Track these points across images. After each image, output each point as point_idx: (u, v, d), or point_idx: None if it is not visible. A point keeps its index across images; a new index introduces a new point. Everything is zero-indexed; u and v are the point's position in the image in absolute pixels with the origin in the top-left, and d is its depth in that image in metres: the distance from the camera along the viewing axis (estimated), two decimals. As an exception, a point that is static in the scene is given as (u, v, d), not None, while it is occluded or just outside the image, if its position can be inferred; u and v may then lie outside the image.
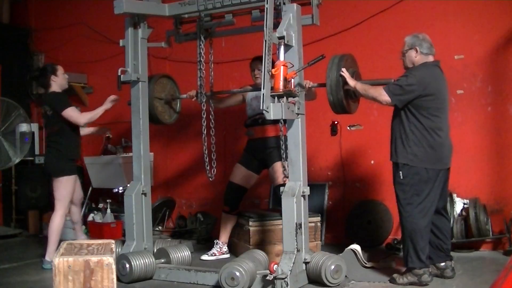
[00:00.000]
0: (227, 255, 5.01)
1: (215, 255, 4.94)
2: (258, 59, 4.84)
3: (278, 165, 4.73)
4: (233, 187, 5.01)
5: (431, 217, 3.84)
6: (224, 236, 5.07)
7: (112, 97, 4.82)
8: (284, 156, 4.17)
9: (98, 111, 4.82)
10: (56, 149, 4.82)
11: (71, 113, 4.76)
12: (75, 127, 4.90)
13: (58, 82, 4.93)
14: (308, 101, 4.23)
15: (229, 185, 5.05)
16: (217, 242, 5.06)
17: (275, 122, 4.73)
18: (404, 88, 3.74)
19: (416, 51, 3.87)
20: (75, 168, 4.96)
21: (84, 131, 5.20)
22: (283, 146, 4.64)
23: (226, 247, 5.05)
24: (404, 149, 3.81)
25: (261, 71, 4.76)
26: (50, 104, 4.84)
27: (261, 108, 3.40)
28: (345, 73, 3.94)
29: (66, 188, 4.78)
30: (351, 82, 3.94)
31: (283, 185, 3.97)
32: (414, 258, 3.77)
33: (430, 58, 3.90)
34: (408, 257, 3.80)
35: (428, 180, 3.79)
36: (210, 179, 4.69)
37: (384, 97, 3.79)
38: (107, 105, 4.82)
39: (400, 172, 3.82)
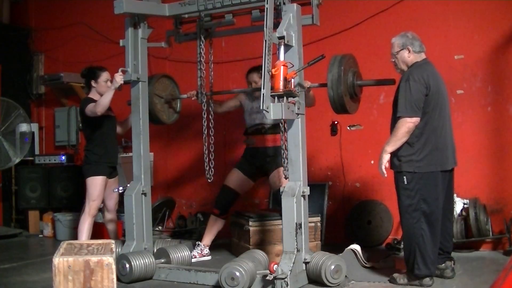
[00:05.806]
0: (208, 257, 4.96)
1: (195, 257, 4.84)
2: (255, 71, 4.83)
3: (281, 170, 4.69)
4: (228, 191, 4.97)
5: (440, 222, 3.72)
6: (207, 239, 5.02)
7: (118, 74, 4.31)
8: (284, 156, 4.16)
9: (106, 94, 4.45)
10: (86, 154, 4.79)
11: (88, 107, 4.58)
12: (105, 132, 4.79)
13: (97, 89, 4.74)
14: (307, 107, 4.16)
15: (223, 189, 5.01)
16: (198, 244, 5.00)
17: (277, 132, 4.74)
18: (415, 99, 3.59)
19: (409, 50, 3.76)
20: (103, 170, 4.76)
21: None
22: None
23: (208, 250, 4.99)
24: (408, 156, 3.65)
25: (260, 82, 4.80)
26: (80, 112, 4.75)
27: (261, 108, 3.40)
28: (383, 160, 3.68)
29: (89, 188, 4.70)
30: (384, 155, 3.67)
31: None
32: (421, 266, 3.65)
33: (423, 56, 3.81)
34: (414, 265, 3.67)
35: (435, 184, 3.67)
36: (209, 180, 4.68)
37: (409, 124, 3.59)
38: (114, 84, 4.37)
39: (404, 177, 3.67)
